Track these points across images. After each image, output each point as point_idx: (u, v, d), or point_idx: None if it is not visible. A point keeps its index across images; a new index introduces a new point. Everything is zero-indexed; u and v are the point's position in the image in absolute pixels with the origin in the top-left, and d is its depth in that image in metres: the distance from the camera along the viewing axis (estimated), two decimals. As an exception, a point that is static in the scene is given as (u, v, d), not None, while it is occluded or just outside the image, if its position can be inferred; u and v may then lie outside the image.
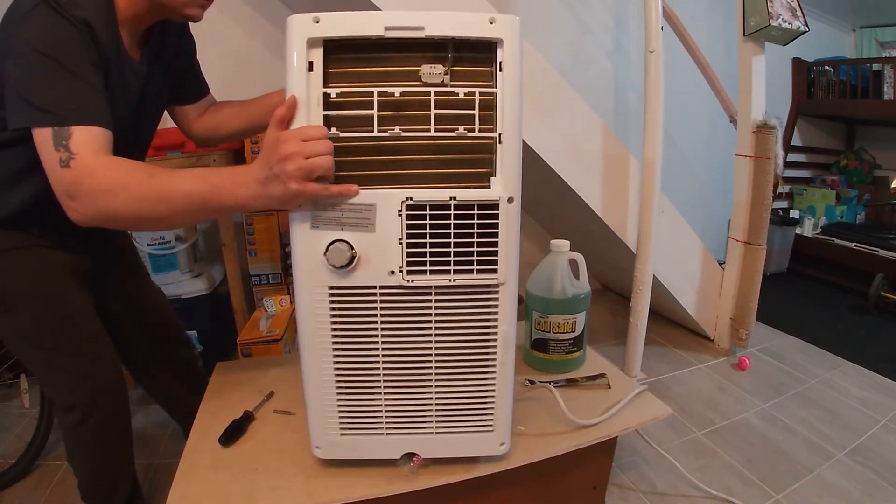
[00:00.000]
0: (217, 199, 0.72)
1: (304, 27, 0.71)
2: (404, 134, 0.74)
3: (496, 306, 0.80)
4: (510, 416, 0.88)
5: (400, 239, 0.76)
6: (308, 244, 0.76)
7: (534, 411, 1.06)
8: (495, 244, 0.77)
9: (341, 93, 0.73)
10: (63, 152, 0.69)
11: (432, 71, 0.73)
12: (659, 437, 1.49)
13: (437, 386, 0.83)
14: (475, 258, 0.77)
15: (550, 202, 2.16)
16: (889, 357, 2.00)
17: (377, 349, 0.81)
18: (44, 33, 0.70)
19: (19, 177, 0.85)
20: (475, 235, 0.76)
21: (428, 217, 0.75)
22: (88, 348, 0.98)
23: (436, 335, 0.81)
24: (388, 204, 0.75)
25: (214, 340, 1.86)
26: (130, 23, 0.84)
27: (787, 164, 3.27)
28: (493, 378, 0.84)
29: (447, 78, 0.73)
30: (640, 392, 1.12)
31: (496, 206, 0.75)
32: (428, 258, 0.76)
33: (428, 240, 0.76)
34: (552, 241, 1.23)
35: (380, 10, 1.42)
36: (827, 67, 3.10)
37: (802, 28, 1.78)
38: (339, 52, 0.73)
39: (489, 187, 0.76)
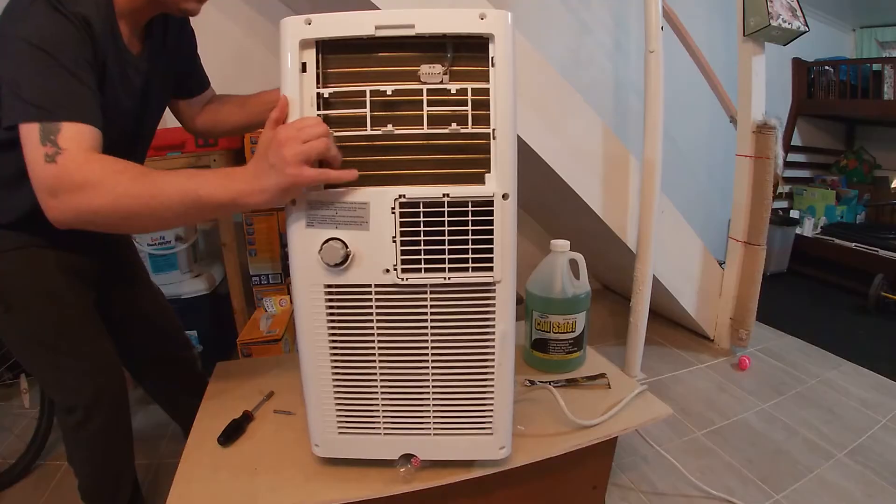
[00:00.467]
0: (212, 195, 0.70)
1: (297, 29, 0.71)
2: (397, 132, 0.74)
3: (493, 305, 0.79)
4: (510, 418, 0.86)
5: (394, 237, 0.75)
6: (303, 243, 0.76)
7: (534, 411, 1.05)
8: (490, 241, 0.76)
9: (335, 92, 0.73)
10: (50, 147, 0.67)
11: (431, 70, 0.72)
12: (659, 437, 1.48)
13: (433, 386, 0.83)
14: (470, 256, 0.77)
15: (550, 202, 2.16)
16: (889, 357, 1.99)
17: (373, 347, 0.81)
18: (40, 29, 0.69)
19: (23, 180, 0.85)
20: (470, 233, 0.76)
21: (421, 214, 0.75)
22: (89, 349, 0.97)
23: (432, 334, 0.80)
24: (381, 202, 0.75)
25: (214, 340, 1.86)
26: (129, 17, 0.84)
27: (787, 164, 3.27)
28: (492, 379, 0.83)
29: (446, 77, 0.73)
30: (641, 392, 1.12)
31: (490, 203, 0.75)
32: (422, 256, 0.76)
33: (422, 238, 0.76)
34: (552, 241, 1.23)
35: (379, 9, 1.42)
36: (827, 67, 3.10)
37: (802, 28, 1.78)
38: (333, 52, 0.73)
39: (484, 184, 0.75)
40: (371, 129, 0.74)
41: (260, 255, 1.94)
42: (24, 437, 1.49)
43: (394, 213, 0.75)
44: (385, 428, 0.85)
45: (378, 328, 0.80)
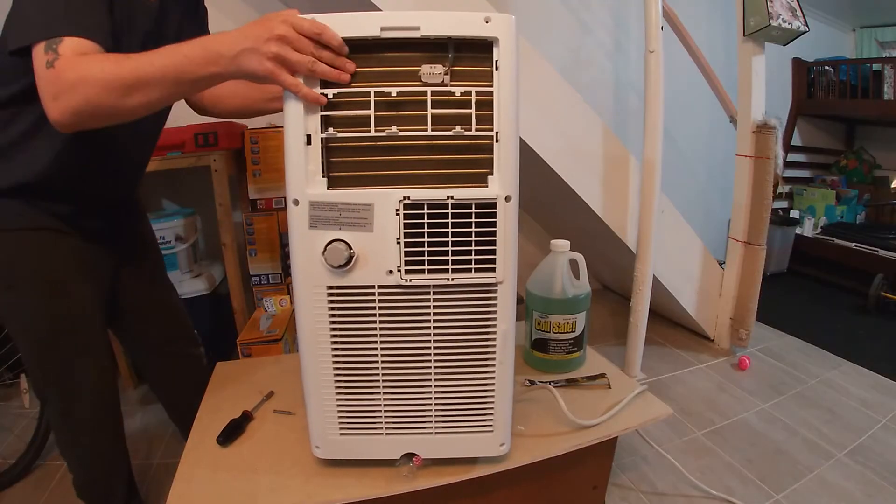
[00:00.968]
0: (193, 70, 0.71)
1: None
2: (401, 133, 0.74)
3: (495, 305, 0.80)
4: (510, 416, 0.87)
5: (398, 238, 0.75)
6: (306, 244, 0.76)
7: (534, 411, 1.05)
8: (493, 243, 0.77)
9: (338, 93, 0.73)
10: (51, 54, 0.69)
11: (432, 71, 0.73)
12: (659, 437, 1.49)
13: (436, 386, 0.83)
14: (473, 257, 0.77)
15: (550, 202, 2.16)
16: (889, 357, 1.99)
17: (376, 349, 0.81)
18: None
19: (29, 139, 0.85)
20: (473, 234, 0.76)
21: (426, 216, 0.75)
22: (81, 341, 0.96)
23: (434, 334, 0.80)
24: (385, 203, 0.74)
25: (214, 340, 1.86)
26: None
27: (787, 164, 3.27)
28: (493, 378, 0.84)
29: (447, 78, 0.73)
30: (641, 392, 1.12)
31: (494, 205, 0.75)
32: (426, 257, 0.76)
33: (426, 239, 0.76)
34: (552, 241, 1.23)
35: (380, 10, 1.42)
36: (827, 67, 3.10)
37: (802, 28, 1.78)
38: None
39: (487, 186, 0.76)
40: (375, 130, 0.74)
41: (260, 255, 1.94)
42: (24, 437, 1.49)
43: (398, 214, 0.75)
44: (387, 428, 0.85)
45: (381, 329, 0.80)
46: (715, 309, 2.11)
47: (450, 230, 0.76)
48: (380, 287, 0.78)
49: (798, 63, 3.17)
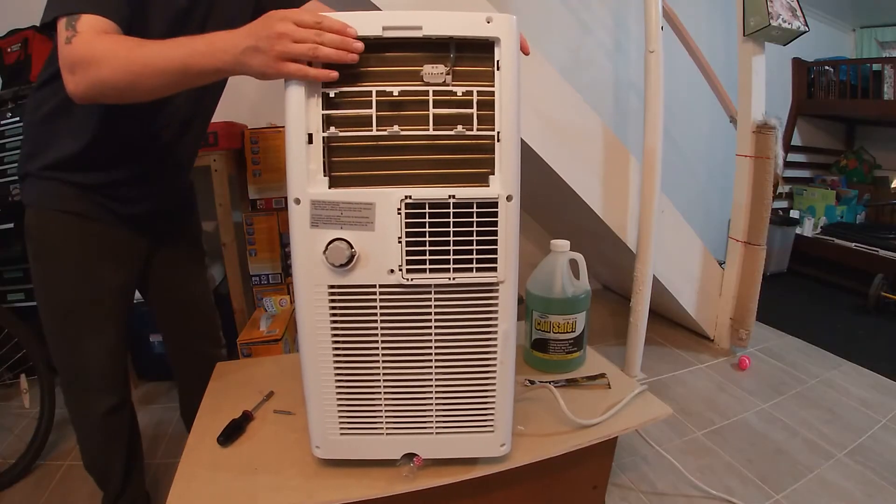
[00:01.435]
0: (197, 63, 0.73)
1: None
2: (403, 133, 0.74)
3: (496, 305, 0.80)
4: (511, 416, 0.87)
5: (399, 237, 0.75)
6: (307, 243, 0.76)
7: (534, 411, 1.05)
8: (494, 242, 0.77)
9: (340, 92, 0.73)
10: (70, 31, 0.73)
11: (434, 71, 0.73)
12: (659, 437, 1.49)
13: (436, 385, 0.83)
14: (474, 256, 0.77)
15: (551, 202, 2.16)
16: (889, 357, 1.99)
17: (377, 348, 0.80)
18: None
19: (68, 113, 0.89)
20: (474, 234, 0.76)
21: (427, 216, 0.75)
22: (93, 323, 1.00)
23: (435, 334, 0.80)
24: (387, 203, 0.74)
25: (214, 340, 1.86)
26: None
27: (787, 164, 3.28)
28: (494, 378, 0.83)
29: (449, 78, 0.73)
30: (641, 392, 1.12)
31: (495, 205, 0.75)
32: (427, 257, 0.76)
33: (427, 238, 0.76)
34: (552, 241, 1.23)
35: (380, 9, 1.42)
36: (827, 67, 3.10)
37: (802, 28, 1.78)
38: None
39: (488, 186, 0.76)
40: (377, 130, 0.74)
41: (260, 255, 1.94)
42: (24, 437, 1.49)
43: (400, 213, 0.75)
44: (388, 428, 0.85)
45: (382, 329, 0.80)
46: (715, 309, 2.11)
47: (451, 230, 0.76)
48: (381, 286, 0.78)
49: (798, 63, 3.17)
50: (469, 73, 0.74)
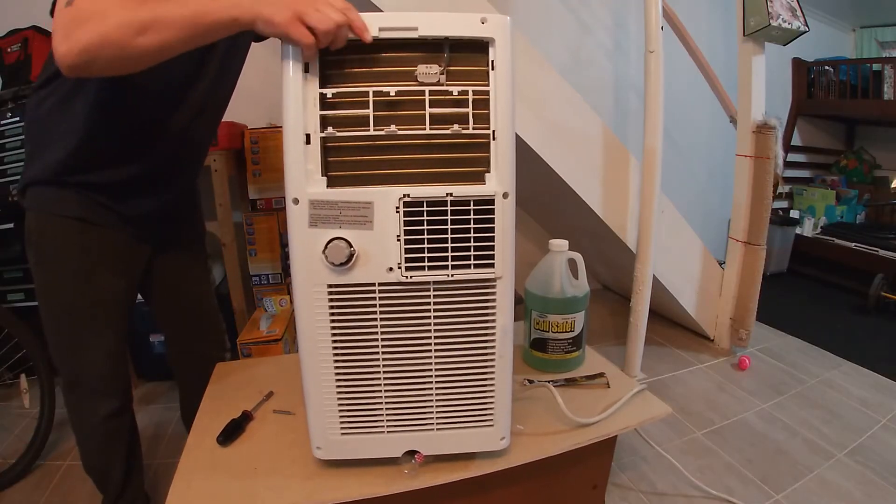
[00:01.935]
0: (210, 11, 0.69)
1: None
2: (400, 132, 0.74)
3: (494, 300, 0.81)
4: (510, 410, 0.88)
5: (398, 236, 0.76)
6: (306, 243, 0.76)
7: (533, 410, 1.05)
8: (492, 239, 0.78)
9: (337, 93, 0.73)
10: None
11: (428, 70, 0.73)
12: (659, 437, 1.49)
13: (437, 381, 0.84)
14: (472, 253, 0.78)
15: (550, 202, 2.16)
16: (889, 357, 1.99)
17: (377, 346, 0.81)
18: None
19: (65, 110, 0.88)
20: (472, 231, 0.77)
21: (425, 213, 0.75)
22: (94, 326, 1.00)
23: (435, 330, 0.81)
24: (385, 201, 0.75)
25: (214, 340, 1.86)
26: None
27: (787, 164, 3.27)
28: (493, 372, 0.84)
29: (443, 77, 0.74)
30: (640, 391, 1.12)
31: (492, 202, 0.76)
32: (426, 254, 0.77)
33: (426, 236, 0.76)
34: (551, 241, 1.23)
35: (380, 10, 1.42)
36: (827, 67, 3.10)
37: (802, 28, 1.78)
38: (335, 53, 0.73)
39: (484, 183, 0.77)
40: (374, 130, 0.74)
41: (260, 255, 1.94)
42: (24, 437, 1.49)
43: (398, 212, 0.75)
44: (388, 425, 0.85)
45: (382, 326, 0.80)
46: (715, 309, 2.11)
47: (449, 227, 0.76)
48: (380, 284, 0.78)
49: (798, 63, 3.17)
50: (464, 72, 0.75)
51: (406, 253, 0.77)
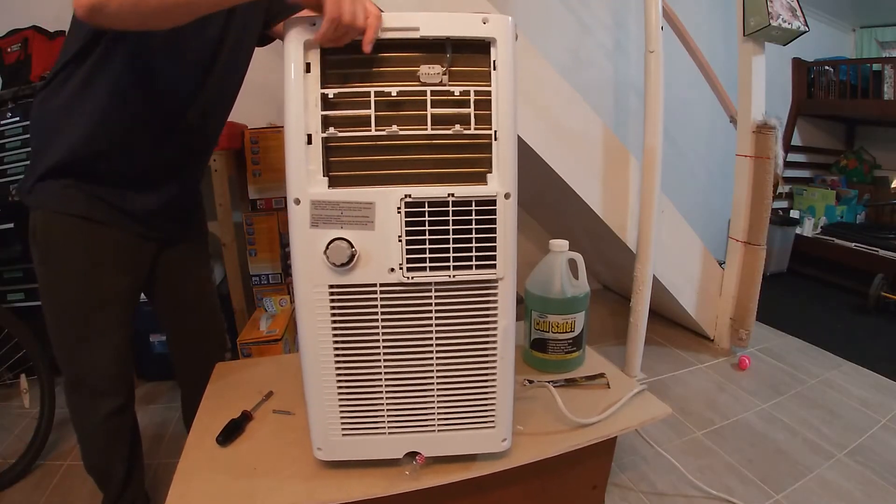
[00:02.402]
0: None
1: (302, 30, 0.72)
2: (402, 133, 0.74)
3: (495, 301, 0.81)
4: (511, 411, 0.88)
5: (399, 236, 0.76)
6: (308, 243, 0.76)
7: (533, 411, 1.05)
8: (493, 240, 0.77)
9: (339, 93, 0.73)
10: None
11: (430, 71, 0.73)
12: (659, 437, 1.49)
13: (438, 382, 0.84)
14: (474, 254, 0.78)
15: (550, 202, 2.16)
16: (889, 357, 1.99)
17: (378, 347, 0.81)
18: None
19: (77, 102, 0.87)
20: (473, 231, 0.77)
21: (427, 214, 0.75)
22: (99, 325, 0.99)
23: (436, 331, 0.81)
24: (386, 202, 0.75)
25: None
26: None
27: (787, 164, 3.28)
28: (494, 373, 0.84)
29: (445, 78, 0.74)
30: (640, 391, 1.12)
31: (493, 202, 0.76)
32: (427, 255, 0.77)
33: (427, 237, 0.76)
34: (551, 241, 1.23)
35: (382, 10, 1.42)
36: (827, 67, 3.10)
37: (802, 28, 1.78)
38: (337, 53, 0.73)
39: (486, 184, 0.77)
40: (375, 130, 0.74)
41: (260, 255, 1.94)
42: (24, 437, 1.49)
43: (399, 212, 0.75)
44: (390, 427, 0.85)
45: (383, 327, 0.80)
46: (715, 309, 2.11)
47: (450, 227, 0.76)
48: (381, 285, 0.78)
49: (798, 63, 3.17)
50: (466, 72, 0.75)
51: (407, 253, 0.77)
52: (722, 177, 2.73)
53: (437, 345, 0.82)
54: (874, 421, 1.59)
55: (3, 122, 1.63)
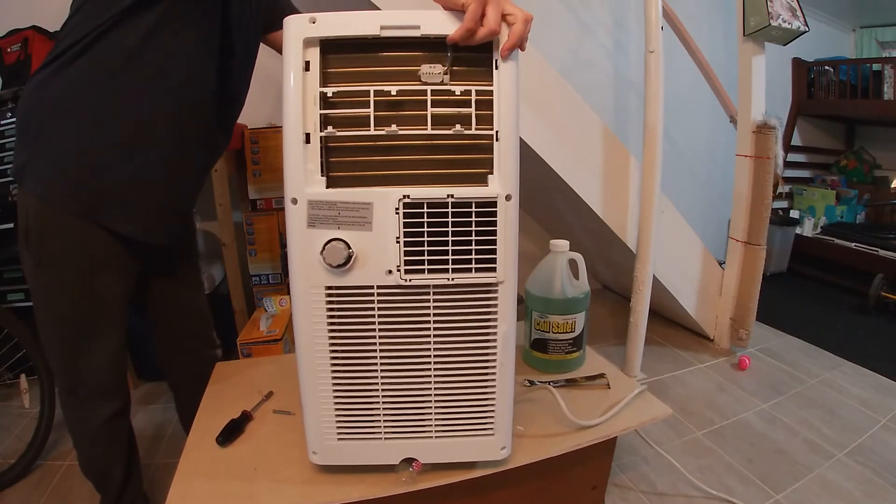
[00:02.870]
0: None
1: (301, 27, 0.71)
2: (401, 132, 0.74)
3: (495, 306, 0.79)
4: (511, 419, 0.86)
5: (397, 238, 0.75)
6: (304, 243, 0.75)
7: (533, 411, 1.05)
8: (493, 242, 0.76)
9: (338, 92, 0.73)
10: None
11: (431, 70, 0.72)
12: (659, 437, 1.49)
13: (436, 388, 0.82)
14: (473, 256, 0.76)
15: (550, 202, 2.16)
16: (889, 357, 1.99)
17: (375, 350, 0.80)
18: None
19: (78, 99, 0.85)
20: (473, 234, 0.75)
21: (425, 215, 0.74)
22: (95, 326, 0.98)
23: (434, 336, 0.80)
24: (385, 202, 0.74)
25: (214, 340, 1.86)
26: None
27: (787, 164, 3.27)
28: (493, 380, 0.83)
29: (446, 77, 0.73)
30: (640, 392, 1.12)
31: (494, 204, 0.75)
32: (426, 257, 0.76)
33: (426, 238, 0.75)
34: (551, 241, 1.23)
35: (379, 9, 1.42)
36: (827, 67, 3.10)
37: (802, 28, 1.78)
38: (336, 51, 0.73)
39: (487, 185, 0.76)
40: (374, 129, 0.74)
41: (260, 255, 1.94)
42: (24, 437, 1.48)
43: (398, 213, 0.74)
44: (386, 432, 0.84)
45: (380, 331, 0.79)
46: (715, 309, 2.11)
47: (450, 229, 0.75)
48: (379, 287, 0.77)
49: (798, 63, 3.17)
50: (468, 72, 0.74)
51: (405, 255, 0.76)
52: (722, 177, 2.73)
53: (436, 349, 0.80)
54: (874, 421, 1.59)
55: (3, 122, 1.63)
